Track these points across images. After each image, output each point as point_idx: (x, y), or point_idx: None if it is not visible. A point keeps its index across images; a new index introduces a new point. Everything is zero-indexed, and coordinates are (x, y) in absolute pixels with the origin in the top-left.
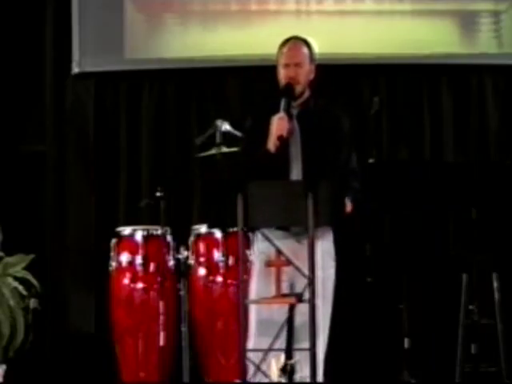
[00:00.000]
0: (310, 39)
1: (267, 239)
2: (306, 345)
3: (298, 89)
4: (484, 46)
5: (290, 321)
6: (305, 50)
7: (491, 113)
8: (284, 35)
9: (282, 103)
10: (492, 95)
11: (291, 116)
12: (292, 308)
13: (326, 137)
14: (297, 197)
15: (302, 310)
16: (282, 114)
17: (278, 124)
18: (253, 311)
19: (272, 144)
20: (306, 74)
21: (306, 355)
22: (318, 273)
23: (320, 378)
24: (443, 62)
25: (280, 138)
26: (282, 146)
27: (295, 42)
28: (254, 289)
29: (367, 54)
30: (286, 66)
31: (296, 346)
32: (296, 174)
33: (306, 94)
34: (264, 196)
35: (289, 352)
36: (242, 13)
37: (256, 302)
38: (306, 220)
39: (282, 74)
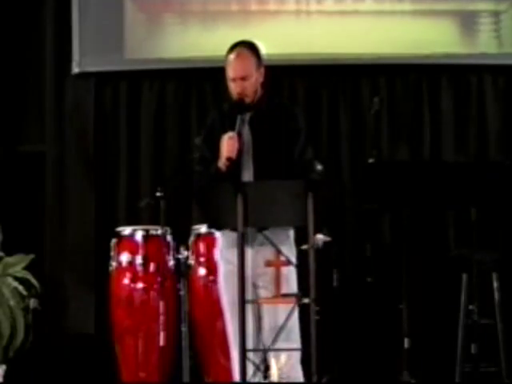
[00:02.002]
0: (255, 42)
1: (267, 239)
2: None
3: (248, 100)
4: (484, 45)
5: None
6: (250, 59)
7: (491, 113)
8: (284, 35)
9: (238, 121)
10: (492, 95)
11: (241, 134)
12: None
13: (278, 136)
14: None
15: (271, 312)
16: (231, 134)
17: (228, 145)
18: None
19: (222, 164)
20: (253, 83)
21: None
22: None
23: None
24: (443, 62)
25: (229, 159)
26: (231, 166)
27: (239, 53)
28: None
29: (367, 53)
30: (233, 80)
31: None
32: (248, 177)
33: (258, 94)
34: (263, 196)
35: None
36: (242, 13)
37: (256, 301)
38: (306, 220)
39: (231, 88)
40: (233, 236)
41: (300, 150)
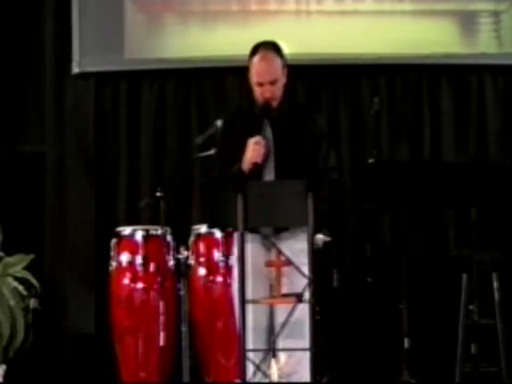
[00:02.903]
0: (279, 42)
1: (265, 238)
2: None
3: (275, 104)
4: (484, 45)
5: (271, 321)
6: (277, 61)
7: (491, 113)
8: (284, 35)
9: (264, 126)
10: (492, 95)
11: (267, 139)
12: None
13: (300, 139)
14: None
15: (282, 310)
16: (258, 139)
17: (254, 150)
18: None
19: (246, 167)
20: (280, 86)
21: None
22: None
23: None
24: (443, 61)
25: (255, 164)
26: (255, 170)
27: (265, 56)
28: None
29: (367, 53)
30: (260, 85)
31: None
32: (269, 179)
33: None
34: (263, 196)
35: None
36: (242, 13)
37: (256, 302)
38: (306, 220)
39: (257, 92)
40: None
41: (323, 156)
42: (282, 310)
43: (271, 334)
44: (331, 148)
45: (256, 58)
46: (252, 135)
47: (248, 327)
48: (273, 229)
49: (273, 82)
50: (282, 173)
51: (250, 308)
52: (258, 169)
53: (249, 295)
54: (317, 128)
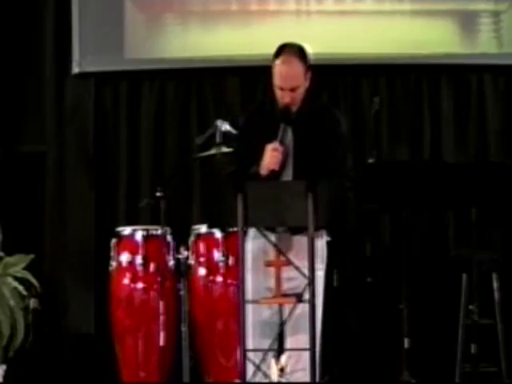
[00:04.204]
0: (305, 45)
1: (264, 237)
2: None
3: (295, 109)
4: (484, 45)
5: (281, 320)
6: (299, 67)
7: (491, 113)
8: (284, 35)
9: (281, 131)
10: (492, 95)
11: (284, 144)
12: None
13: (320, 141)
14: (297, 197)
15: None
16: (276, 145)
17: (272, 157)
18: (251, 312)
19: (264, 173)
20: (301, 92)
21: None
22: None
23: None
24: (443, 62)
25: (272, 171)
26: (272, 177)
27: (288, 60)
28: (250, 288)
29: (367, 53)
30: (281, 89)
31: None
32: (286, 178)
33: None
34: (263, 196)
35: (280, 350)
36: (242, 13)
37: (256, 302)
38: (305, 220)
39: (278, 95)
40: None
41: (340, 157)
42: (288, 306)
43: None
44: (348, 150)
45: (278, 62)
46: (271, 137)
47: (255, 325)
48: (287, 229)
49: (294, 89)
50: (299, 173)
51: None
52: (275, 175)
53: (260, 293)
54: (337, 129)
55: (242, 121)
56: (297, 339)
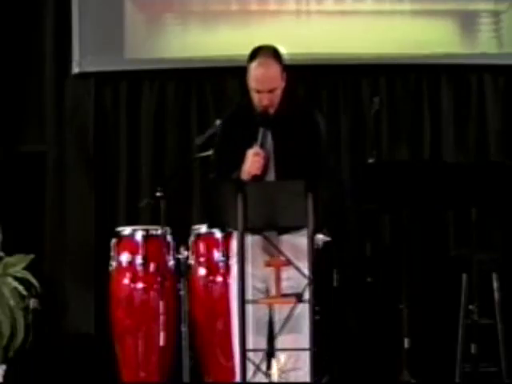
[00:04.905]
0: (278, 46)
1: (268, 241)
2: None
3: (272, 111)
4: (484, 45)
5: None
6: (276, 69)
7: (491, 113)
8: (284, 35)
9: (260, 135)
10: (492, 95)
11: (264, 147)
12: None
13: (300, 142)
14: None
15: (281, 307)
16: (257, 150)
17: (253, 162)
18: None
19: (246, 177)
20: (279, 93)
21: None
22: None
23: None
24: (443, 62)
25: (254, 176)
26: (255, 181)
27: (264, 62)
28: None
29: (367, 53)
30: (259, 92)
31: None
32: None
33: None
34: (263, 196)
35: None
36: (242, 13)
37: (256, 302)
38: (305, 220)
39: (255, 98)
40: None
41: (322, 157)
42: (279, 306)
43: (272, 328)
44: (329, 149)
45: (254, 64)
46: (250, 141)
47: (248, 326)
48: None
49: (271, 90)
50: (281, 176)
51: (249, 306)
52: (257, 180)
53: (248, 295)
54: (316, 130)
55: (218, 127)
56: (285, 339)
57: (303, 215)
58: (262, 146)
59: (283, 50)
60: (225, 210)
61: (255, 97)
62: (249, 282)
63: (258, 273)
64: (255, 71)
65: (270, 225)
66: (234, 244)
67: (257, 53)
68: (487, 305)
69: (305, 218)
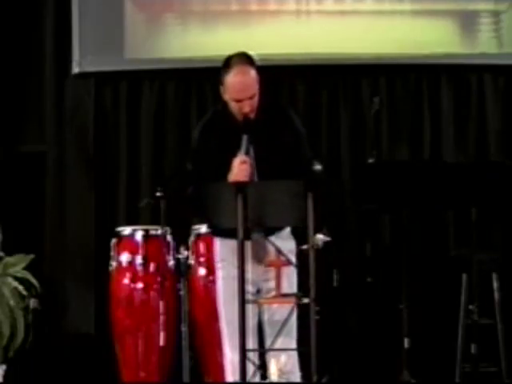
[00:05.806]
0: (249, 52)
1: (272, 244)
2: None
3: (252, 115)
4: (484, 45)
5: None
6: (253, 75)
7: (491, 113)
8: (284, 35)
9: (244, 142)
10: (492, 95)
11: (249, 154)
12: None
13: (280, 145)
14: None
15: (271, 309)
16: (244, 157)
17: (241, 170)
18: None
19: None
20: (257, 97)
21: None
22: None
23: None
24: (443, 62)
25: None
26: None
27: (242, 70)
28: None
29: (367, 53)
30: (239, 101)
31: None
32: None
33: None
34: (263, 196)
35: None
36: (242, 13)
37: (256, 302)
38: (305, 220)
39: (235, 108)
40: (232, 243)
41: (299, 151)
42: (267, 308)
43: (260, 331)
44: (305, 143)
45: (232, 74)
46: (230, 149)
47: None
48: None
49: (251, 97)
50: (263, 178)
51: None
52: None
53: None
54: (292, 128)
55: (195, 138)
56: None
57: (300, 215)
58: (247, 153)
59: (253, 53)
60: (223, 211)
61: (235, 106)
62: (234, 285)
63: (247, 276)
64: (233, 80)
65: (260, 225)
66: (217, 247)
67: (231, 62)
68: (487, 305)
69: (302, 217)
